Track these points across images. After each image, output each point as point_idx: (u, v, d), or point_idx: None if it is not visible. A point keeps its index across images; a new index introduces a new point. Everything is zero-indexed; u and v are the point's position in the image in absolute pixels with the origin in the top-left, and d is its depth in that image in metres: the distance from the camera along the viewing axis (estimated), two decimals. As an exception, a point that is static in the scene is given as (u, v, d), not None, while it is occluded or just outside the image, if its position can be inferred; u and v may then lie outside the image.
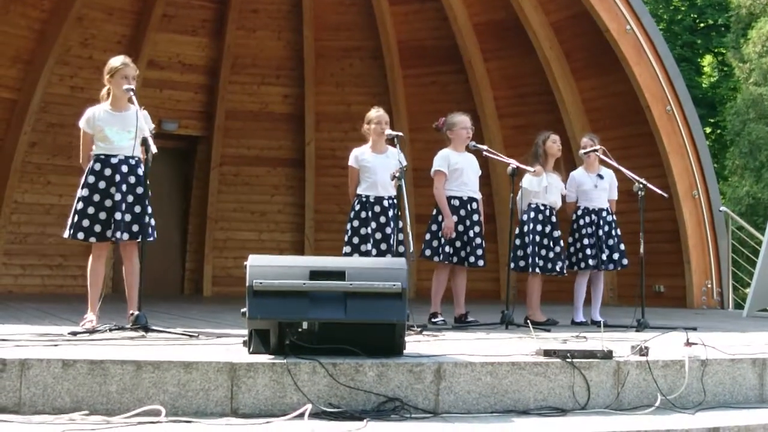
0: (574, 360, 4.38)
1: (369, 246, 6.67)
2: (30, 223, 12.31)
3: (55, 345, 4.53)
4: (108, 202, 5.63)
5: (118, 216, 5.60)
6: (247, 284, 4.26)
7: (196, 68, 13.51)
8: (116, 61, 5.79)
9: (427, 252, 7.08)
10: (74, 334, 5.04)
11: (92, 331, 5.17)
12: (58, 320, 6.51)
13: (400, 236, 6.59)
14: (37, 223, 12.29)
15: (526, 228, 7.43)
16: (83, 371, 3.91)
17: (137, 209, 5.65)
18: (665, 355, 4.68)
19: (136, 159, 5.73)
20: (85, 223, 5.64)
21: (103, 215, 5.63)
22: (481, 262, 7.12)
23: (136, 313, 5.31)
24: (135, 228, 5.64)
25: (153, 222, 5.75)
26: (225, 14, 13.41)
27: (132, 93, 5.63)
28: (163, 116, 12.78)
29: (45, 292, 11.93)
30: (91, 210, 5.65)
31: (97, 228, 5.63)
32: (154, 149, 5.34)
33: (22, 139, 12.11)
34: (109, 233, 5.62)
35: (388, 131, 6.76)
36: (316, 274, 4.31)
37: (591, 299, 7.77)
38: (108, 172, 5.67)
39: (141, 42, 12.71)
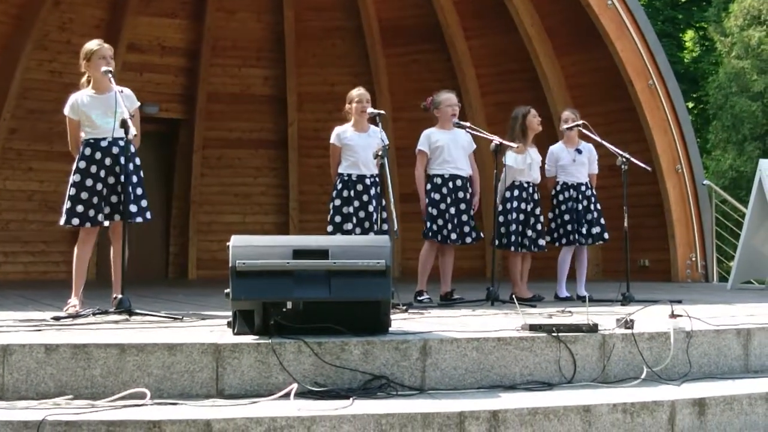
0: (560, 334, 4.40)
1: (351, 225, 6.65)
2: (12, 209, 12.21)
3: (38, 330, 4.51)
4: (100, 186, 5.60)
5: (114, 199, 5.56)
6: (230, 265, 4.24)
7: (176, 51, 13.39)
8: (91, 44, 5.74)
9: (431, 235, 7.04)
10: (57, 319, 5.02)
11: (75, 316, 5.14)
12: (41, 306, 6.47)
13: (384, 214, 6.57)
14: (18, 209, 12.20)
15: (509, 206, 7.41)
16: (66, 356, 3.89)
17: (130, 190, 5.61)
18: (650, 327, 4.70)
19: (126, 140, 5.66)
20: (80, 208, 5.61)
21: (96, 200, 5.60)
22: (468, 240, 7.09)
23: (120, 296, 5.28)
24: (132, 208, 5.60)
25: (144, 203, 5.70)
26: (204, -4, 13.30)
27: (110, 74, 5.57)
28: (144, 100, 12.55)
29: (28, 278, 11.85)
30: (84, 195, 5.61)
31: (91, 213, 5.60)
32: (132, 131, 5.30)
33: (2, 125, 11.99)
34: (101, 217, 5.58)
35: (370, 109, 6.73)
36: (299, 254, 4.29)
37: (576, 274, 7.79)
38: (98, 155, 5.63)
39: (120, 25, 12.58)
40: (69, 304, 5.59)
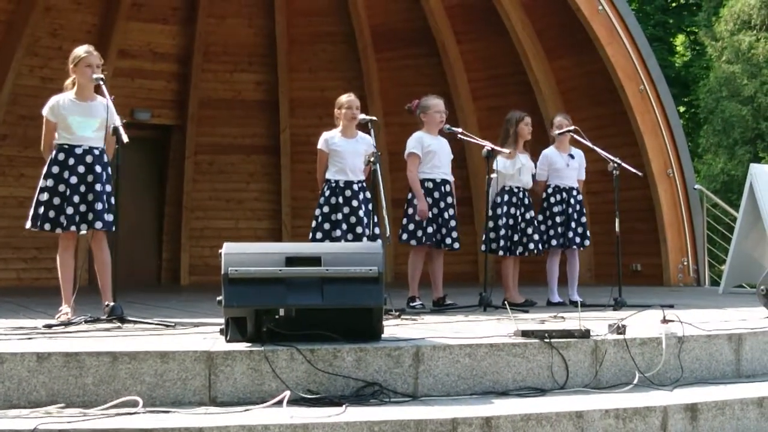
0: (552, 340, 4.40)
1: (340, 232, 6.62)
2: (3, 216, 12.16)
3: (30, 338, 4.50)
4: (70, 193, 5.55)
5: (82, 208, 5.54)
6: (222, 272, 4.23)
7: (167, 57, 13.38)
8: (80, 50, 5.73)
9: (404, 236, 7.06)
10: (49, 326, 5.00)
11: (67, 324, 5.12)
12: (32, 313, 6.45)
13: (375, 220, 6.57)
14: (10, 216, 12.14)
15: (499, 211, 7.44)
16: (58, 364, 3.87)
17: (103, 199, 5.59)
18: (642, 332, 4.71)
19: (101, 149, 5.66)
20: (51, 214, 5.58)
21: (67, 207, 5.55)
22: (456, 245, 7.11)
23: (112, 304, 5.27)
24: (106, 218, 5.58)
25: (112, 215, 5.64)
26: (195, 1, 13.28)
27: (102, 82, 5.56)
28: (136, 106, 12.65)
29: (20, 285, 11.82)
30: (56, 201, 5.58)
31: (62, 219, 5.56)
32: (125, 138, 5.29)
33: (-7, 132, 11.98)
34: (72, 226, 5.55)
35: (362, 116, 6.73)
36: (291, 260, 4.29)
37: (568, 279, 7.81)
38: (71, 161, 5.60)
39: (111, 31, 12.55)
40: (61, 311, 5.57)
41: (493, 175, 7.11)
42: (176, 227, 13.39)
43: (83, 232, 5.61)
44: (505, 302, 6.94)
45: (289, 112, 13.67)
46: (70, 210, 5.55)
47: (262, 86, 13.77)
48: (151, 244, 13.31)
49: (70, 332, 4.83)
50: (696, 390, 4.43)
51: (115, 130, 5.34)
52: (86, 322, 5.17)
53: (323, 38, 13.75)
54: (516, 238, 7.46)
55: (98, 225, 5.57)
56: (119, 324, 5.13)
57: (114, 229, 5.64)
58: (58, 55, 12.08)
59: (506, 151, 7.22)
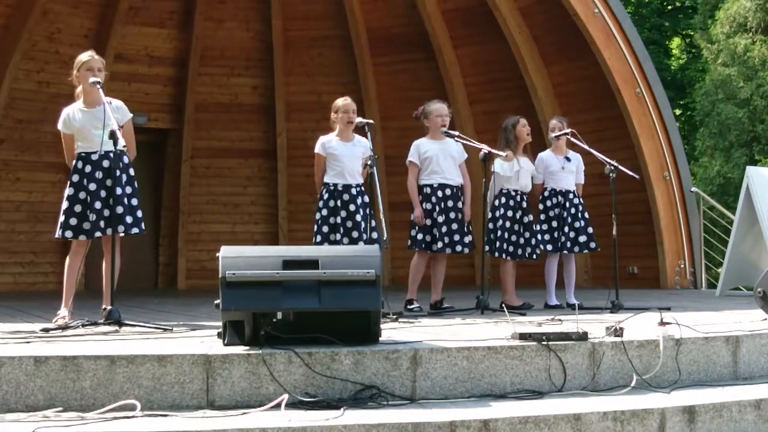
0: (550, 343, 4.40)
1: (339, 236, 6.63)
2: (0, 220, 12.18)
3: (27, 342, 4.49)
4: (90, 199, 5.60)
5: (106, 213, 5.56)
6: (219, 276, 4.24)
7: (164, 61, 13.38)
8: (82, 55, 5.78)
9: (410, 243, 7.09)
10: (47, 330, 5.00)
11: (65, 328, 5.12)
12: (30, 317, 6.44)
13: (373, 223, 6.58)
14: (6, 220, 12.16)
15: (497, 213, 7.45)
16: (56, 368, 3.87)
17: (124, 203, 5.63)
18: (640, 335, 4.71)
19: (119, 152, 5.65)
20: (72, 221, 5.63)
21: (87, 212, 5.60)
22: (458, 248, 7.08)
23: (109, 307, 5.27)
24: (127, 220, 5.60)
25: (138, 214, 5.72)
26: (192, 5, 13.29)
27: (98, 86, 5.57)
28: (133, 110, 12.48)
29: (17, 289, 11.80)
30: (77, 208, 5.63)
31: (85, 225, 5.61)
32: (121, 142, 5.30)
33: (-10, 136, 11.97)
34: (97, 231, 5.59)
35: (359, 119, 6.74)
36: (289, 264, 4.29)
37: (564, 282, 7.81)
38: (89, 168, 5.65)
39: (108, 35, 12.56)
40: (58, 315, 5.58)
41: (493, 177, 7.12)
42: (173, 231, 13.39)
43: (98, 234, 5.61)
44: (503, 305, 6.95)
45: (285, 116, 13.68)
46: (93, 216, 5.59)
47: (258, 90, 13.77)
48: (148, 248, 13.30)
49: (68, 336, 4.83)
50: (693, 392, 4.43)
51: (112, 134, 5.35)
52: (84, 325, 5.16)
53: (320, 42, 13.76)
54: (514, 240, 7.47)
55: (120, 229, 5.59)
56: (117, 328, 5.12)
57: (140, 230, 5.70)
58: (54, 59, 12.11)
59: (503, 153, 7.23)
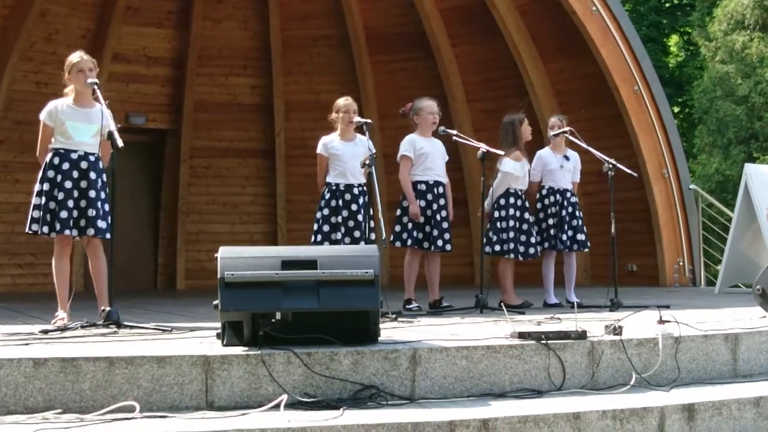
0: (549, 341, 4.40)
1: (340, 235, 6.64)
2: (-2, 221, 12.18)
3: (26, 344, 4.49)
4: (64, 198, 5.58)
5: (75, 213, 5.56)
6: (218, 276, 4.23)
7: (162, 61, 13.37)
8: (72, 56, 5.76)
9: (397, 241, 7.06)
10: (45, 332, 5.00)
11: (63, 329, 5.12)
12: (29, 319, 6.44)
13: (372, 223, 6.58)
14: (5, 221, 12.14)
15: (504, 213, 7.42)
16: (55, 369, 3.87)
17: (97, 206, 5.61)
18: (639, 333, 4.71)
19: (96, 156, 5.69)
20: (48, 217, 5.60)
21: (60, 211, 5.57)
22: (448, 247, 7.09)
23: (108, 308, 5.26)
24: (99, 224, 5.60)
25: (109, 220, 5.64)
26: (190, 5, 13.27)
27: (96, 87, 5.56)
28: (131, 110, 12.64)
29: (16, 291, 11.80)
30: (51, 205, 5.60)
31: (57, 225, 5.58)
32: (120, 143, 5.29)
33: (-12, 137, 11.96)
34: (66, 230, 5.57)
35: (357, 118, 6.74)
36: (287, 264, 4.29)
37: (564, 280, 7.81)
38: (66, 166, 5.62)
39: (105, 36, 12.54)
40: (57, 317, 5.57)
41: (499, 175, 7.13)
42: (172, 232, 13.38)
43: (76, 237, 5.62)
44: (502, 304, 6.95)
45: (284, 116, 13.67)
46: (64, 214, 5.57)
47: (257, 90, 13.76)
48: (147, 248, 13.30)
49: (67, 338, 4.83)
50: (693, 390, 4.43)
51: (110, 135, 5.34)
52: (82, 327, 5.15)
53: (318, 41, 13.76)
54: (524, 240, 7.47)
55: (90, 232, 5.60)
56: (116, 329, 5.12)
57: (108, 236, 5.64)
58: (52, 59, 12.07)
59: (501, 152, 7.23)
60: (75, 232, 5.59)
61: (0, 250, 12.08)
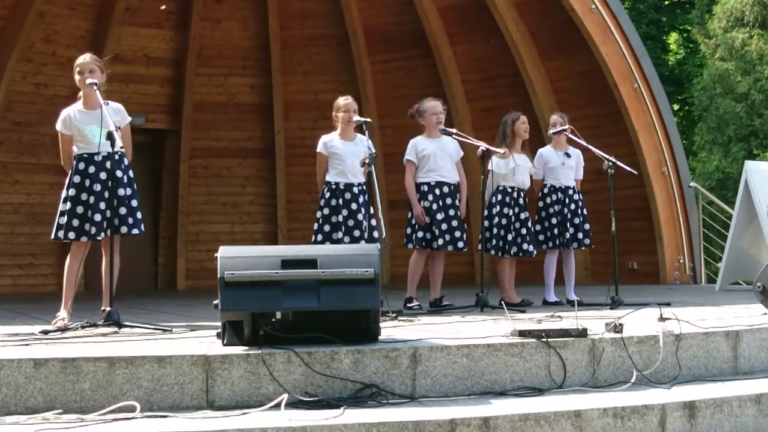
0: (549, 339, 4.40)
1: (341, 234, 6.64)
2: (-1, 222, 12.18)
3: (26, 344, 4.49)
4: (94, 200, 5.59)
5: (108, 214, 5.54)
6: (218, 276, 4.23)
7: (161, 61, 13.37)
8: (78, 59, 5.76)
9: (408, 243, 7.12)
10: (46, 332, 4.99)
11: (64, 329, 5.11)
12: (29, 320, 6.44)
13: (372, 222, 6.58)
14: (5, 222, 12.15)
15: (493, 211, 7.45)
16: (55, 370, 3.87)
17: (126, 204, 5.64)
18: (640, 331, 4.71)
19: (119, 154, 5.66)
20: (75, 223, 5.61)
21: (94, 215, 5.58)
22: (460, 244, 7.09)
23: (108, 309, 5.26)
24: (129, 221, 5.62)
25: (138, 216, 5.73)
26: (189, 6, 13.27)
27: (95, 87, 5.56)
28: (130, 111, 12.48)
29: (16, 291, 11.80)
30: (80, 209, 5.62)
31: (87, 227, 5.60)
32: (119, 143, 5.30)
33: (-12, 138, 11.96)
34: (101, 233, 5.57)
35: (357, 117, 6.74)
36: (287, 263, 4.29)
37: (564, 279, 7.80)
38: (92, 169, 5.65)
39: (104, 36, 12.54)
40: (58, 317, 5.57)
41: (490, 174, 7.12)
42: (172, 232, 13.38)
43: (101, 237, 5.60)
44: (502, 302, 6.95)
45: (283, 116, 13.67)
46: (98, 217, 5.57)
47: (256, 90, 13.76)
48: (147, 248, 13.29)
49: (67, 338, 4.82)
50: (694, 388, 4.43)
51: (110, 135, 5.34)
52: (83, 327, 5.15)
53: (317, 41, 13.75)
54: (510, 238, 7.46)
55: (123, 230, 5.62)
56: (116, 329, 5.12)
57: (139, 230, 5.72)
58: (51, 60, 12.09)
59: (501, 150, 7.23)
60: (105, 233, 5.56)
61: (0, 251, 12.08)
